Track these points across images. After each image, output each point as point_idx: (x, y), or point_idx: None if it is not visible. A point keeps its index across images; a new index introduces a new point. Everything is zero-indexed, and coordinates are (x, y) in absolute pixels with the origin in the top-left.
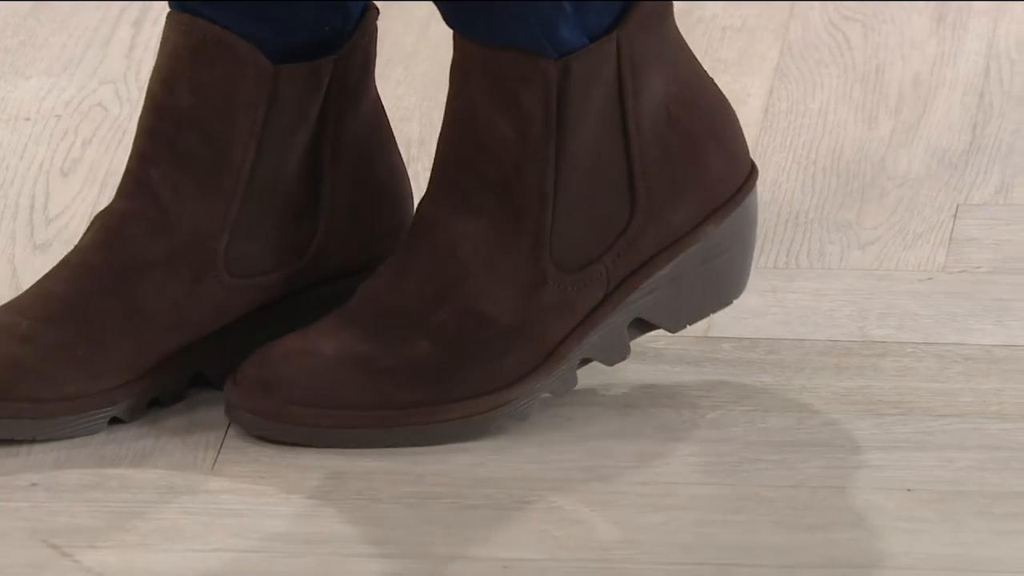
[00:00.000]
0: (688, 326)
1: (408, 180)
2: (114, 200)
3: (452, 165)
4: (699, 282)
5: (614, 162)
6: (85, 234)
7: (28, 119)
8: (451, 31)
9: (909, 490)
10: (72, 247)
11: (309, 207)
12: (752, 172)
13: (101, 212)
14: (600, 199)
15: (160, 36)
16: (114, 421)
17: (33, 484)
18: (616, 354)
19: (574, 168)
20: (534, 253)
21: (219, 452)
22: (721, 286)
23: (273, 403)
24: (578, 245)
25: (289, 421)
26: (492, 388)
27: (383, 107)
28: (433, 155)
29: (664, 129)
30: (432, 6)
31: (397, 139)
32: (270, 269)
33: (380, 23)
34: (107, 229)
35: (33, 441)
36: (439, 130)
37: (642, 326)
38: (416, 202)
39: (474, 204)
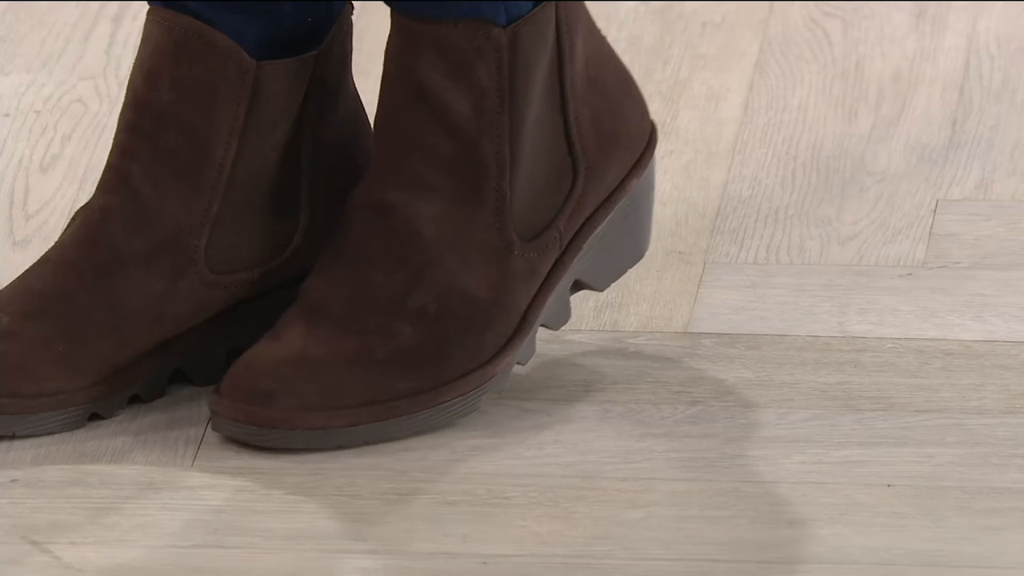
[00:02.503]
0: (610, 285)
1: None
2: (94, 196)
3: (403, 150)
4: (620, 238)
5: (555, 125)
6: (65, 230)
7: (7, 115)
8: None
9: (889, 486)
10: (52, 243)
11: (289, 203)
12: (653, 124)
13: (81, 208)
14: (547, 164)
15: (140, 31)
16: (94, 417)
17: (13, 480)
18: (562, 318)
19: (525, 135)
20: (497, 224)
21: (199, 448)
22: (636, 240)
23: (278, 412)
24: (533, 212)
25: (298, 427)
26: (477, 364)
27: (362, 103)
28: None
29: (587, 90)
30: None
31: None
32: (250, 265)
33: (361, 20)
34: (87, 225)
35: (13, 437)
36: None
37: (575, 288)
38: None
39: (430, 184)
